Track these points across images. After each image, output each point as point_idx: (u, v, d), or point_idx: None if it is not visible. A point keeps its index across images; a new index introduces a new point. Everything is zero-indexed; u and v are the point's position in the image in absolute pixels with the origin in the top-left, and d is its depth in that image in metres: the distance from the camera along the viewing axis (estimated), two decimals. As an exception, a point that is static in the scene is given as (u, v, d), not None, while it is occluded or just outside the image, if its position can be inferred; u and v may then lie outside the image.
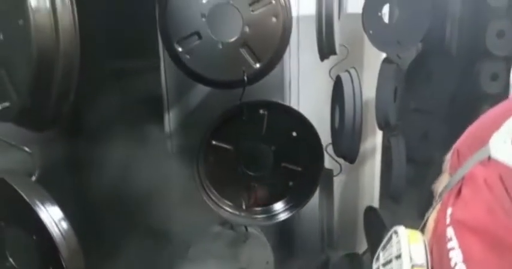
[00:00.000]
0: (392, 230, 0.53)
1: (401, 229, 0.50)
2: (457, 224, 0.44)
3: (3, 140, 0.64)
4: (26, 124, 0.66)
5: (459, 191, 0.47)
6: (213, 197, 1.12)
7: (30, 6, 0.55)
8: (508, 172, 0.42)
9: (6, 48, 0.61)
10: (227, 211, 1.13)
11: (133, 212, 1.22)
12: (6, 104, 0.62)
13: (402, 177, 1.74)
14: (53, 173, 0.75)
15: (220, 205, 1.13)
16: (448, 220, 0.46)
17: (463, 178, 0.48)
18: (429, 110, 1.99)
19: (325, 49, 1.22)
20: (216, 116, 1.05)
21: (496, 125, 0.47)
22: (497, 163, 0.44)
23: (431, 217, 0.53)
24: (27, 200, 0.62)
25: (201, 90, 1.43)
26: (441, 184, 0.55)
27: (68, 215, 0.68)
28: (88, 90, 0.94)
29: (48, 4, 0.57)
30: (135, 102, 1.35)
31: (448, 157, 0.55)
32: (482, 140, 0.48)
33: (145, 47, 1.38)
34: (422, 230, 0.53)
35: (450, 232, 0.44)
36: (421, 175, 1.99)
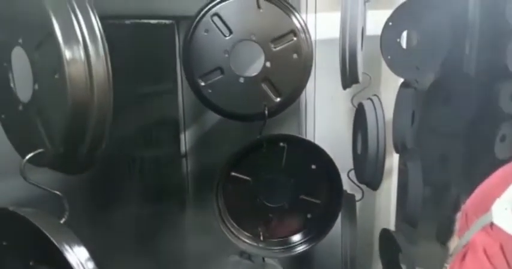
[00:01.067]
0: None
1: None
2: None
3: (35, 184, 0.67)
4: (59, 168, 0.68)
5: (463, 257, 0.49)
6: (231, 228, 1.13)
7: (66, 59, 0.58)
8: (509, 240, 0.44)
9: (41, 98, 0.64)
10: (245, 242, 1.13)
11: (151, 241, 1.24)
12: (41, 150, 0.65)
13: (418, 201, 1.73)
14: (78, 211, 0.77)
15: (238, 235, 1.14)
16: None
17: (468, 243, 0.50)
18: (447, 132, 1.99)
19: (348, 79, 1.23)
20: (236, 150, 1.07)
21: (499, 190, 0.49)
22: (499, 230, 0.45)
23: None
24: (54, 242, 0.65)
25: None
26: (452, 243, 0.57)
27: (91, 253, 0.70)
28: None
29: (83, 56, 0.59)
30: (154, 124, 1.38)
31: (458, 217, 0.57)
32: (486, 205, 0.50)
33: (164, 73, 1.42)
34: None
35: None
36: (438, 198, 1.98)
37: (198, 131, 1.50)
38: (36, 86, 0.64)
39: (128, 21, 1.23)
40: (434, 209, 1.96)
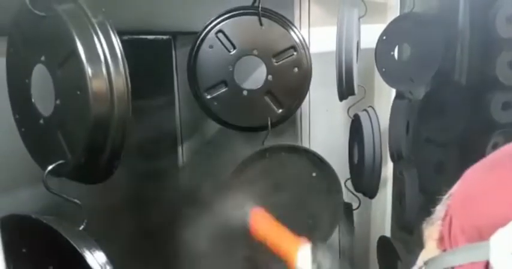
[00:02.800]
0: None
1: None
2: None
3: (57, 194, 0.71)
4: (79, 178, 0.72)
5: None
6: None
7: (89, 76, 0.62)
8: None
9: (63, 112, 0.68)
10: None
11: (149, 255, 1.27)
12: (62, 161, 0.69)
13: (415, 208, 1.78)
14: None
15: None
16: None
17: None
18: (441, 141, 2.03)
19: (345, 91, 1.28)
20: (242, 158, 1.12)
21: (503, 215, 0.39)
22: None
23: None
24: (76, 247, 0.69)
25: (213, 126, 1.50)
26: (427, 252, 0.50)
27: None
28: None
29: (104, 73, 0.64)
30: (151, 137, 1.42)
31: (438, 217, 0.49)
32: (479, 220, 0.41)
33: (161, 87, 1.46)
34: None
35: None
36: (433, 206, 2.02)
37: (195, 144, 1.54)
38: (58, 101, 0.68)
39: (125, 37, 1.27)
40: (429, 216, 1.99)
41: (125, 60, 0.65)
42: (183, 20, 1.24)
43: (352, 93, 1.35)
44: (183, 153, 1.52)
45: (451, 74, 2.10)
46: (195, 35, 1.27)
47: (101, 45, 0.63)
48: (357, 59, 1.33)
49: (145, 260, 1.28)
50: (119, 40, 0.64)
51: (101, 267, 0.68)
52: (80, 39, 0.62)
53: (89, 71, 0.62)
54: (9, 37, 0.75)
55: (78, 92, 0.63)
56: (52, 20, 0.65)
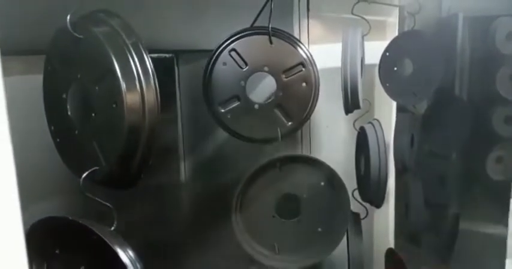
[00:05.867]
0: None
1: None
2: None
3: (92, 197, 0.78)
4: (111, 184, 0.79)
5: None
6: (249, 242, 1.23)
7: (124, 91, 0.70)
8: None
9: (98, 124, 0.76)
10: (262, 253, 1.23)
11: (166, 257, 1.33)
12: (96, 168, 0.77)
13: (420, 220, 1.83)
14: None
15: (255, 248, 1.24)
16: None
17: None
18: (444, 154, 2.08)
19: (350, 105, 1.35)
20: (254, 168, 1.18)
21: None
22: None
23: None
24: (111, 244, 0.75)
25: (214, 142, 1.57)
26: None
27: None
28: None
29: (138, 88, 0.71)
30: (155, 153, 1.48)
31: None
32: None
33: (165, 103, 1.53)
34: None
35: None
36: (437, 217, 2.06)
37: (197, 161, 1.61)
38: (93, 114, 0.76)
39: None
40: (433, 228, 2.04)
41: (155, 76, 0.72)
42: (185, 38, 1.31)
43: (358, 107, 1.42)
44: (185, 169, 1.58)
45: (453, 89, 2.16)
46: (197, 53, 1.34)
47: (134, 63, 0.71)
48: (362, 74, 1.41)
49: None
50: (149, 59, 0.72)
51: (132, 264, 0.74)
52: (116, 58, 0.70)
53: (124, 86, 0.69)
54: (47, 56, 0.84)
55: (114, 105, 0.71)
56: (90, 41, 0.73)
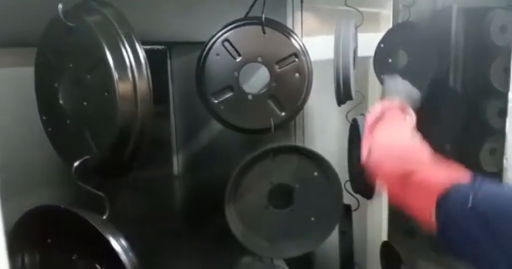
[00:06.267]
0: None
1: None
2: None
3: (83, 185, 0.78)
4: (103, 173, 0.80)
5: None
6: (243, 231, 1.24)
7: (116, 80, 0.70)
8: None
9: (90, 113, 0.76)
10: (255, 243, 1.24)
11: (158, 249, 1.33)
12: (88, 156, 0.77)
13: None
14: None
15: (248, 238, 1.25)
16: None
17: None
18: (438, 146, 2.09)
19: (343, 96, 1.36)
20: (247, 158, 1.19)
21: None
22: None
23: None
24: (102, 232, 0.76)
25: (207, 135, 1.58)
26: None
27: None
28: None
29: (130, 77, 0.72)
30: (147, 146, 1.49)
31: None
32: None
33: (157, 96, 1.54)
34: None
35: None
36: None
37: (190, 152, 1.61)
38: (85, 103, 0.76)
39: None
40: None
41: (148, 66, 0.73)
42: (179, 30, 1.31)
43: (350, 98, 1.42)
44: (178, 161, 1.58)
45: (447, 81, 2.16)
46: (190, 45, 1.34)
47: (126, 53, 0.71)
48: (355, 65, 1.41)
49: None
50: (142, 49, 0.73)
51: (124, 251, 0.75)
52: (108, 48, 0.70)
53: (116, 75, 0.70)
54: (40, 46, 0.84)
55: (106, 94, 0.71)
56: (82, 30, 0.73)
